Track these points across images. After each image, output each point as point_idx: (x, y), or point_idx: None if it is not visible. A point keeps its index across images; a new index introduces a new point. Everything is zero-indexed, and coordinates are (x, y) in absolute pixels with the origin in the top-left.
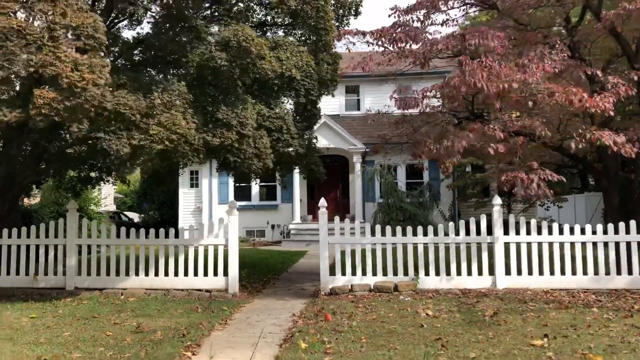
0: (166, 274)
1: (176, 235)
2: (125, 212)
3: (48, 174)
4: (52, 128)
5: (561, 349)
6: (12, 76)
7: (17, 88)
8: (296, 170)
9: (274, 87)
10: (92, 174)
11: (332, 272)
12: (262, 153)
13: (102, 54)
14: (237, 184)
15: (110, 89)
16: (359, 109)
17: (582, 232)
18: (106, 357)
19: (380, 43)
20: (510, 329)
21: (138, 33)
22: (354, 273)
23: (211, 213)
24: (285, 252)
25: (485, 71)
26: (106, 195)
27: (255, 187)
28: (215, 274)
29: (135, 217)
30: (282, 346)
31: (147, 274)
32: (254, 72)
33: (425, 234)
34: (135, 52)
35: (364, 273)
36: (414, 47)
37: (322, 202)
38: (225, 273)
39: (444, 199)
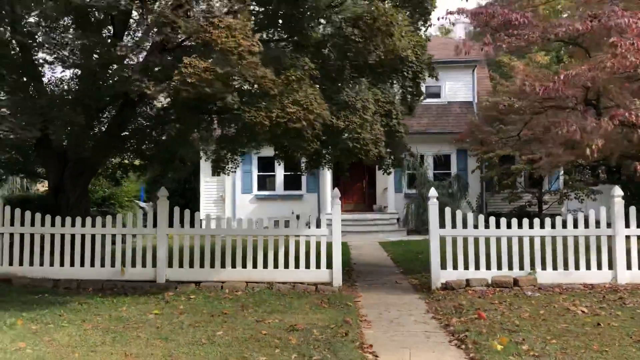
0: (265, 265)
1: (275, 226)
2: (136, 202)
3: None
4: (131, 106)
5: None
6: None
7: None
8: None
9: (384, 69)
10: (136, 162)
11: (443, 265)
12: (378, 139)
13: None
14: (261, 173)
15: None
16: None
17: None
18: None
19: (485, 22)
20: None
21: None
22: (466, 267)
23: (234, 203)
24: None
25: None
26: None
27: (279, 177)
28: (318, 266)
29: (145, 206)
30: (462, 347)
31: (244, 266)
32: (377, 51)
33: (542, 226)
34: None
35: (477, 267)
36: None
37: (433, 192)
38: (329, 266)
39: (471, 191)
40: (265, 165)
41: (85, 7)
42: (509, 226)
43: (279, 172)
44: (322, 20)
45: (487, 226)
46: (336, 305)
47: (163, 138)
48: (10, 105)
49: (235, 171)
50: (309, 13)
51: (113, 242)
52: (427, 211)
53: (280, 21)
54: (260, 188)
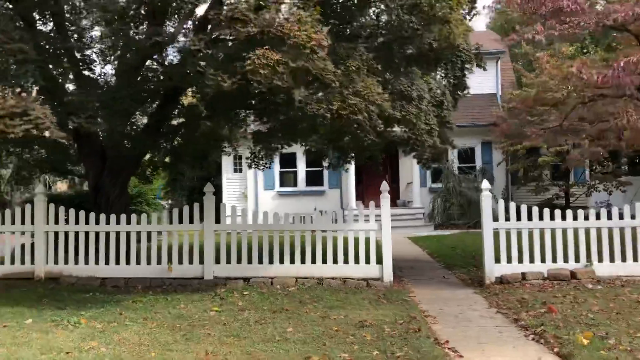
0: (313, 261)
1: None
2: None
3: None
4: (173, 101)
5: None
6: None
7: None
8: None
9: (435, 59)
10: (167, 159)
11: (497, 259)
12: (432, 130)
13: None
14: (283, 169)
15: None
16: None
17: None
18: (375, 357)
19: (533, 11)
20: None
21: None
22: (520, 260)
23: (257, 199)
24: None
25: None
26: None
27: (301, 173)
28: (368, 261)
29: (164, 203)
30: (541, 342)
31: (293, 262)
32: (430, 39)
33: (598, 217)
34: None
35: (531, 260)
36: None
37: (485, 184)
38: (378, 261)
39: (497, 184)
40: (287, 161)
41: None
42: (563, 217)
43: (301, 168)
44: (375, 8)
45: (541, 218)
46: (394, 301)
47: (195, 134)
48: (76, 99)
49: (269, 167)
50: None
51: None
52: (480, 204)
53: (336, 11)
54: (282, 184)
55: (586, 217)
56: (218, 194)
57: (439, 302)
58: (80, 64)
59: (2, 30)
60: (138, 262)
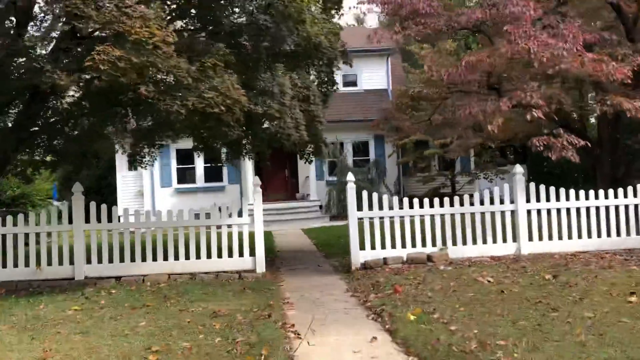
0: (187, 257)
1: (196, 217)
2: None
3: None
4: (41, 99)
5: None
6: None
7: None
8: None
9: (299, 56)
10: (48, 158)
11: (362, 246)
12: (299, 124)
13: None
14: (180, 166)
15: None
16: None
17: (596, 197)
18: (216, 344)
19: (394, 12)
20: (574, 290)
21: None
22: (383, 246)
23: (154, 197)
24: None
25: (530, 40)
26: None
27: (199, 169)
28: (241, 254)
29: (58, 204)
30: (378, 320)
31: (166, 259)
32: (292, 37)
33: (452, 204)
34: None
35: (393, 246)
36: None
37: (350, 177)
38: (252, 253)
39: (389, 175)
40: (185, 157)
41: None
42: (421, 205)
43: (199, 164)
44: (236, 9)
45: (401, 207)
46: (260, 291)
47: (75, 133)
48: None
49: (152, 165)
50: (222, 1)
51: (27, 243)
52: (346, 195)
53: (194, 10)
54: (180, 181)
55: (442, 205)
56: (113, 193)
57: (304, 290)
58: None
59: None
60: (4, 265)
